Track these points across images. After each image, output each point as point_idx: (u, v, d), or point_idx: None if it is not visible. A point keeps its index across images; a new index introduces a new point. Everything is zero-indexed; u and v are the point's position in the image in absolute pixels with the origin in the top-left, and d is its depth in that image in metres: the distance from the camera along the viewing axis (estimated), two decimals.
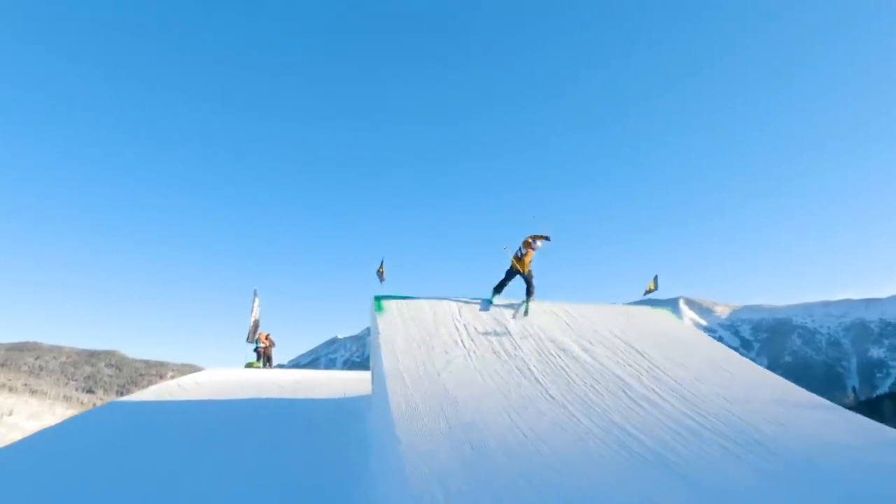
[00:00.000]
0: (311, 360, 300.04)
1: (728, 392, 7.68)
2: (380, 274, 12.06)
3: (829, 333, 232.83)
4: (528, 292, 10.65)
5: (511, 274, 10.85)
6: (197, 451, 7.36)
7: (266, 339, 20.30)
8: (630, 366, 8.53)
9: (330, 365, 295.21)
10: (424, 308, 10.14)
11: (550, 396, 7.12)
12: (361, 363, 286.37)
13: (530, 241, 10.76)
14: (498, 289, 10.98)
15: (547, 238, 10.84)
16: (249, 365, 19.44)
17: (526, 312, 10.37)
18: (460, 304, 10.52)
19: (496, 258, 11.13)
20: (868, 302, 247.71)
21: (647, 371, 8.37)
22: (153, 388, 12.78)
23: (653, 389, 7.61)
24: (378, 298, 10.18)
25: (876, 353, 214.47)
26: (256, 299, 21.57)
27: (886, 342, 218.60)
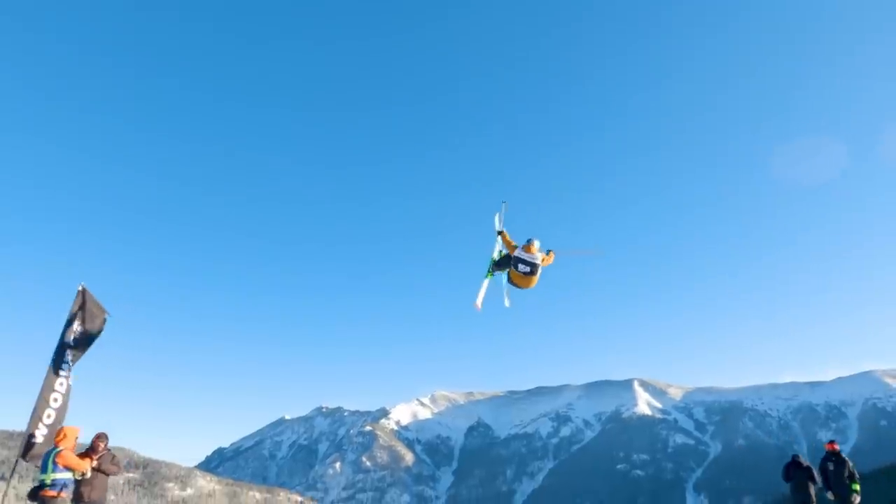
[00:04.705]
0: (255, 443, 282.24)
1: None
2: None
3: (779, 416, 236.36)
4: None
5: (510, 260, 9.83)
6: None
7: (92, 454, 8.72)
8: None
9: (275, 448, 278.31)
10: None
11: None
12: (308, 446, 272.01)
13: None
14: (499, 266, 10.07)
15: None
16: None
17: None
18: None
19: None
20: (813, 385, 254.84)
21: None
22: None
23: None
24: None
25: (824, 436, 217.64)
26: (77, 322, 9.49)
27: (833, 426, 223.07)
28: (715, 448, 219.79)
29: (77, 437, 8.51)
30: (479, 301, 9.92)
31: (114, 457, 8.97)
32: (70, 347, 9.38)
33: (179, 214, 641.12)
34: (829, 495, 12.27)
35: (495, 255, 10.23)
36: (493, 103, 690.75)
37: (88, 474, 8.41)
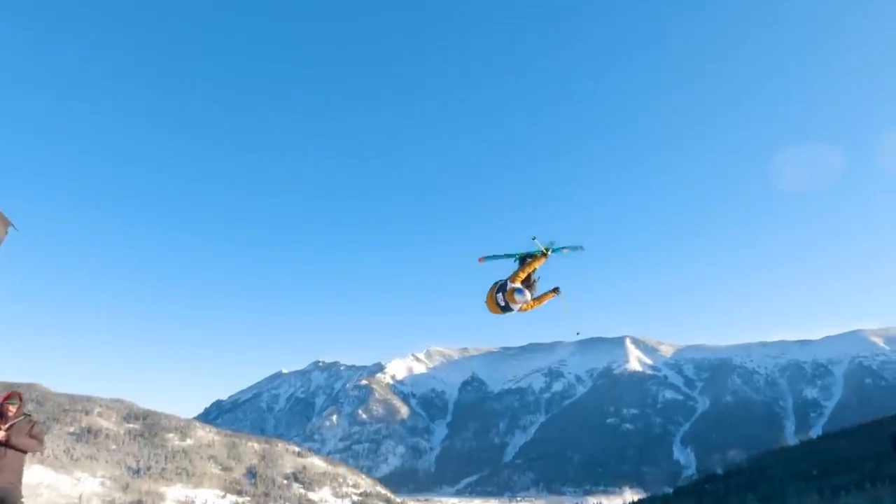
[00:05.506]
0: (253, 396, 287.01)
1: None
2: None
3: (766, 374, 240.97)
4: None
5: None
6: None
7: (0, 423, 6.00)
8: None
9: (273, 401, 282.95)
10: None
11: None
12: (305, 399, 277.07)
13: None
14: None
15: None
16: None
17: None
18: None
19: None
20: (801, 343, 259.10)
21: None
22: None
23: None
24: None
25: (810, 393, 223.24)
26: None
27: (819, 383, 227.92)
28: (703, 403, 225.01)
29: None
30: (483, 258, 9.64)
31: (33, 425, 6.19)
32: None
33: (179, 167, 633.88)
34: None
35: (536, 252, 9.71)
36: (499, 55, 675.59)
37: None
